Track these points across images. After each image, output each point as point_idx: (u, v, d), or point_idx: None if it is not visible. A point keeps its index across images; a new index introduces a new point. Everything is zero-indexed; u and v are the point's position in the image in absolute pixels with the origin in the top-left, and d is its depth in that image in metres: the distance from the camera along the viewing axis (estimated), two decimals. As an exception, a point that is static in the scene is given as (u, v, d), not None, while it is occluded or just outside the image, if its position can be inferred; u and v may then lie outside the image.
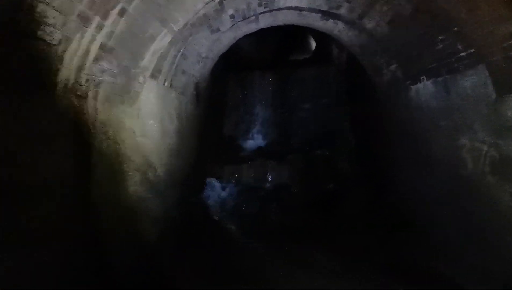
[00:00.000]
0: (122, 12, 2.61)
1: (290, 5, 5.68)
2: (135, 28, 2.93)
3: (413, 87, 5.26)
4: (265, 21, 7.20)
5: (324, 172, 7.81)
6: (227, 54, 9.46)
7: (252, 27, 7.32)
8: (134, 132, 3.64)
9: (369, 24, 5.35)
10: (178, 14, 3.41)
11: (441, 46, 4.15)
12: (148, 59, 3.46)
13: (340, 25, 6.72)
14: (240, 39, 9.01)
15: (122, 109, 3.39)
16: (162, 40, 3.54)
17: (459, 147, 4.14)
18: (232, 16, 5.26)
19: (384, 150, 6.90)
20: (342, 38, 7.40)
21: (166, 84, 4.70)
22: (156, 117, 4.33)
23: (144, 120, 3.95)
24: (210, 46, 6.32)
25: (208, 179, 7.11)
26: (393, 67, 5.91)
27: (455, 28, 3.66)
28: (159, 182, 4.34)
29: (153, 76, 3.98)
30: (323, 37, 10.70)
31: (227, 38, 7.01)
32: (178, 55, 4.74)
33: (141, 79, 3.52)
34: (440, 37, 4.07)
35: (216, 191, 7.16)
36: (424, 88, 4.89)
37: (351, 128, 9.15)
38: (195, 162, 6.34)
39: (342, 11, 5.45)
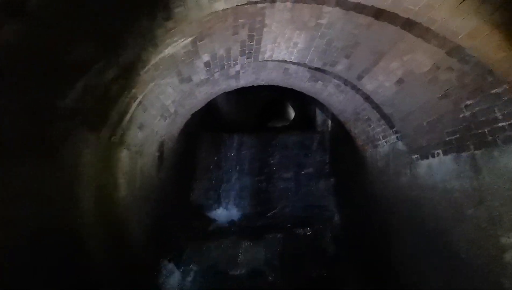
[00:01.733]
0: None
1: (277, 58, 4.86)
2: (44, 42, 1.86)
3: (423, 163, 4.32)
4: (246, 79, 6.40)
5: (307, 255, 6.55)
6: (202, 112, 8.55)
7: (231, 84, 6.48)
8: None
9: (369, 84, 4.54)
10: (127, 34, 2.38)
11: (468, 113, 3.27)
12: (75, 99, 2.35)
13: (330, 88, 5.96)
14: (217, 97, 8.22)
15: (21, 170, 2.20)
16: (102, 75, 2.48)
17: (499, 248, 3.08)
18: (207, 64, 4.34)
19: (379, 233, 5.80)
20: (330, 103, 6.64)
21: (113, 139, 3.56)
22: (89, 184, 3.12)
23: (66, 187, 2.73)
24: (180, 100, 5.33)
25: (165, 262, 5.68)
26: (393, 137, 5.04)
27: (497, 90, 2.80)
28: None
29: (89, 125, 2.85)
30: (306, 102, 10.09)
31: (202, 93, 6.10)
32: (134, 104, 3.68)
33: (61, 126, 2.38)
34: (468, 102, 3.21)
35: (174, 277, 5.71)
36: (440, 164, 3.94)
37: (336, 203, 8.11)
38: (148, 239, 4.99)
39: (339, 68, 4.65)
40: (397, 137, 4.95)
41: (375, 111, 5.28)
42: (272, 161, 8.91)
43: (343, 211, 7.76)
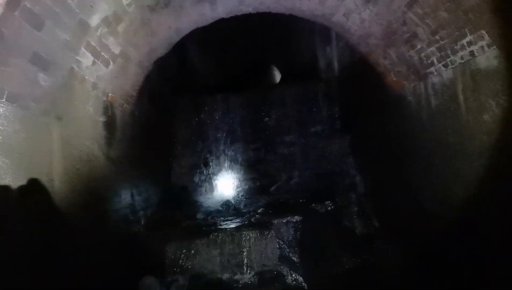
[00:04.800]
0: None
1: None
2: None
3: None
4: (225, 3, 4.44)
5: (333, 241, 4.81)
6: (173, 71, 6.63)
7: (205, 13, 4.53)
8: None
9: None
10: None
11: None
12: None
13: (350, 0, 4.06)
14: (191, 55, 6.35)
15: None
16: None
17: None
18: None
19: (436, 202, 4.07)
20: (347, 27, 4.73)
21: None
22: None
23: None
24: (125, 32, 3.38)
25: (141, 279, 3.86)
26: (468, 52, 3.18)
27: None
28: None
29: None
30: (301, 47, 8.18)
31: (163, 27, 4.16)
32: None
33: None
34: None
35: (153, 295, 3.93)
36: None
37: (357, 166, 6.35)
38: (102, 254, 3.17)
39: None
40: (474, 50, 3.10)
41: (430, 18, 3.41)
42: (268, 123, 7.06)
43: (368, 175, 6.02)
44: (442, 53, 3.55)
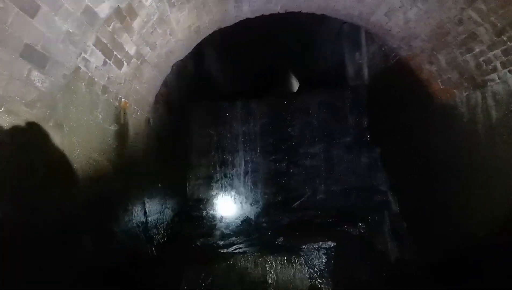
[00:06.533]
0: None
1: None
2: None
3: None
4: (252, 2, 3.99)
5: (364, 266, 4.25)
6: (190, 79, 6.22)
7: (229, 11, 4.12)
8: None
9: None
10: None
11: None
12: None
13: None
14: (208, 63, 5.97)
15: None
16: None
17: None
18: None
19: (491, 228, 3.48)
20: (388, 28, 4.23)
21: None
22: None
23: None
24: (141, 30, 2.94)
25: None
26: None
27: None
28: None
29: None
30: (328, 49, 7.69)
31: (181, 26, 3.72)
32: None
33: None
34: None
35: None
36: None
37: (389, 182, 5.79)
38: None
39: None
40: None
41: (496, 15, 2.89)
42: (291, 133, 6.51)
43: (401, 192, 5.45)
44: (509, 56, 3.02)
